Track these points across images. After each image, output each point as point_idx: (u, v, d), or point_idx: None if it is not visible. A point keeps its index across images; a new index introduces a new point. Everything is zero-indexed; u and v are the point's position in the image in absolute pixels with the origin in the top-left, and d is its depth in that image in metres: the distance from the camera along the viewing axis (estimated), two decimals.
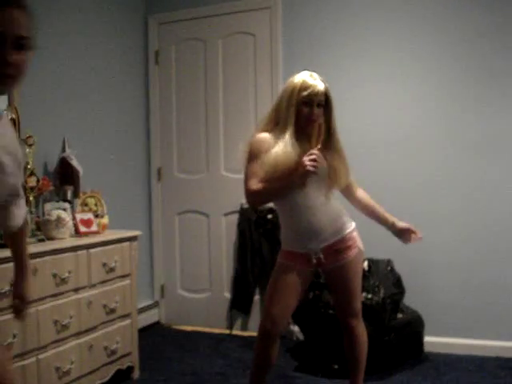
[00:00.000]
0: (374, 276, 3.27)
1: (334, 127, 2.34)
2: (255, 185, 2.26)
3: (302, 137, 2.27)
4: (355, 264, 2.38)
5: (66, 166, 3.18)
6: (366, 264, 3.39)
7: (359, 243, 2.40)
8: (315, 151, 2.15)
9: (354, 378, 2.51)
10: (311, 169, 2.11)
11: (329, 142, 2.31)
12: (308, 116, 2.25)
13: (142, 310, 4.01)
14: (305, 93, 2.23)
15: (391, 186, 3.60)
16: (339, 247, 2.33)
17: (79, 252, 2.77)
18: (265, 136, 2.30)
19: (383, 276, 3.29)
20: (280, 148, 2.22)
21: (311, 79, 2.28)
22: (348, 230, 2.36)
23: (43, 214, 2.92)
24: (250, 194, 2.28)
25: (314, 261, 2.33)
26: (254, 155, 2.29)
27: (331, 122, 2.32)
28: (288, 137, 2.23)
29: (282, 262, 2.38)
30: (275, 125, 2.31)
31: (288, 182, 2.21)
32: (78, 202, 3.16)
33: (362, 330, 2.45)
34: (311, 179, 2.22)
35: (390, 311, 3.19)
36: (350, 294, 2.38)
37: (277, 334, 2.35)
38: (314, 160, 2.12)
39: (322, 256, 2.32)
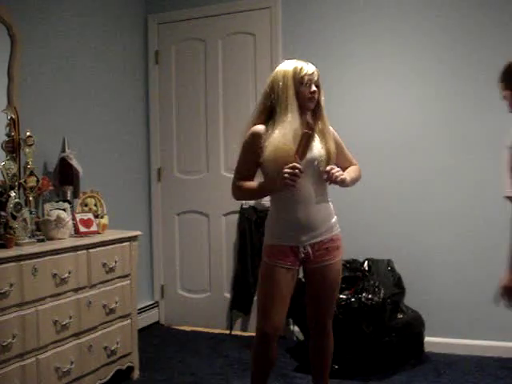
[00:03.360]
0: (374, 276, 3.27)
1: (323, 113, 2.39)
2: (237, 181, 2.36)
3: (302, 120, 2.32)
4: (339, 266, 2.40)
5: (65, 166, 3.18)
6: (366, 264, 3.39)
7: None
8: (298, 165, 2.14)
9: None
10: (290, 183, 2.15)
11: (319, 122, 2.37)
12: (310, 94, 2.29)
13: (141, 310, 4.01)
14: (302, 74, 2.28)
15: (391, 186, 3.60)
16: (329, 246, 2.35)
17: (79, 252, 2.77)
18: (260, 128, 2.29)
19: (383, 276, 3.29)
20: (278, 140, 2.21)
21: (303, 63, 2.33)
22: (337, 231, 2.41)
23: (43, 214, 2.92)
24: (232, 189, 2.40)
25: (302, 255, 2.31)
26: (244, 149, 2.34)
27: (321, 102, 2.37)
28: (291, 121, 2.23)
29: (268, 263, 2.32)
30: (268, 115, 2.31)
31: (267, 189, 2.33)
32: (77, 202, 3.15)
33: (332, 337, 2.46)
34: (307, 171, 2.24)
35: (390, 311, 3.19)
36: (331, 295, 2.39)
37: (277, 336, 2.36)
38: (295, 175, 2.14)
39: (310, 251, 2.32)
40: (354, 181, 2.43)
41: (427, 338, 3.40)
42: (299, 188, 2.24)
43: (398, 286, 3.32)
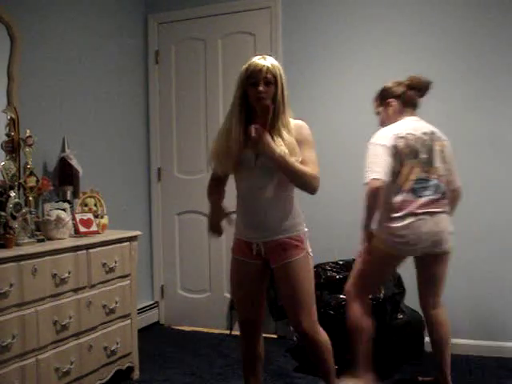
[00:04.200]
0: None
1: (283, 107, 2.22)
2: (210, 181, 2.46)
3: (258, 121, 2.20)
4: (302, 266, 2.27)
5: (65, 166, 3.18)
6: None
7: (308, 248, 2.32)
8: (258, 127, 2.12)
9: None
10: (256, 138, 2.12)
11: (275, 123, 2.20)
12: (255, 94, 2.16)
13: (141, 310, 4.01)
14: (247, 73, 2.19)
15: None
16: (285, 246, 2.26)
17: (79, 252, 2.77)
18: (218, 130, 2.35)
19: None
20: (214, 143, 2.29)
21: (256, 59, 2.22)
22: (297, 233, 2.29)
23: (43, 214, 2.92)
24: None
25: (254, 252, 2.31)
26: None
27: (277, 102, 2.19)
28: (231, 123, 2.23)
29: (232, 256, 2.41)
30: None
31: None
32: (77, 202, 3.15)
33: (322, 336, 2.35)
34: (256, 169, 2.22)
35: (390, 311, 3.19)
36: (299, 296, 2.27)
37: (248, 326, 2.41)
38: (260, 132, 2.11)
39: (262, 249, 2.29)
40: (294, 174, 2.18)
41: (427, 338, 3.39)
42: (249, 185, 2.28)
43: (398, 286, 3.32)
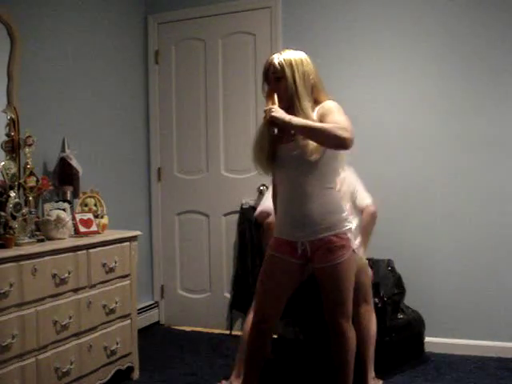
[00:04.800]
0: (375, 276, 3.26)
1: (297, 96, 2.20)
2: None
3: None
4: (347, 267, 2.25)
5: (65, 166, 3.18)
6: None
7: (354, 245, 2.29)
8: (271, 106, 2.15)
9: None
10: (272, 115, 2.11)
11: (293, 112, 2.18)
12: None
13: (141, 310, 4.00)
14: (263, 74, 2.27)
15: (392, 186, 3.59)
16: (331, 245, 2.22)
17: (79, 252, 2.76)
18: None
19: (383, 276, 3.28)
20: (253, 145, 2.33)
21: (272, 56, 2.27)
22: (343, 229, 2.25)
23: (43, 214, 2.92)
24: None
25: (300, 251, 2.27)
26: None
27: (288, 93, 2.20)
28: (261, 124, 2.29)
29: (270, 254, 2.36)
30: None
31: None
32: (77, 202, 3.15)
33: (352, 334, 2.33)
34: (291, 166, 2.23)
35: (390, 311, 3.18)
36: (341, 295, 2.27)
37: (266, 327, 2.36)
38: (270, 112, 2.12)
39: (308, 249, 2.26)
40: (314, 131, 2.11)
41: (427, 338, 3.40)
42: (288, 182, 2.27)
43: (398, 286, 3.32)
